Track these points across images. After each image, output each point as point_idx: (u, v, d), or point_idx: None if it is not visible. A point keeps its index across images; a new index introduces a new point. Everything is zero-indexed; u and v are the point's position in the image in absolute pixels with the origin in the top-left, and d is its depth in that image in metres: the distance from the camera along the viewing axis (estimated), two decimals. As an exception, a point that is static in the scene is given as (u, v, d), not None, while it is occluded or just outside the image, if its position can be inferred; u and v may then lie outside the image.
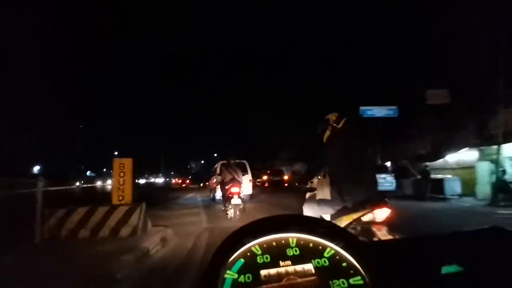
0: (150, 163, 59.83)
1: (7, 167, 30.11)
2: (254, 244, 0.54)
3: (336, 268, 0.51)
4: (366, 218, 1.94)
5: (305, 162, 21.08)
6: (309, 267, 0.51)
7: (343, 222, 1.98)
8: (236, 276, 0.49)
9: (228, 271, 0.49)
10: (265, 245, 0.54)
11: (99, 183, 46.26)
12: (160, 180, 62.28)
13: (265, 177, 24.92)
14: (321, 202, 2.31)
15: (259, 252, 0.53)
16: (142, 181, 58.50)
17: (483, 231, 0.67)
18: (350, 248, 0.53)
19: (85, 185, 36.43)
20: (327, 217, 2.18)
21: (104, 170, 59.25)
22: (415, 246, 0.60)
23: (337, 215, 2.10)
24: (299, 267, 0.51)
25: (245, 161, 12.52)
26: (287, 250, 0.54)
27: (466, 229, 0.68)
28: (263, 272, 0.50)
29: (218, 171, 9.68)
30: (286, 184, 22.36)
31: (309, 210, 2.38)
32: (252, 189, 12.71)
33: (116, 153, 61.62)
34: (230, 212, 6.92)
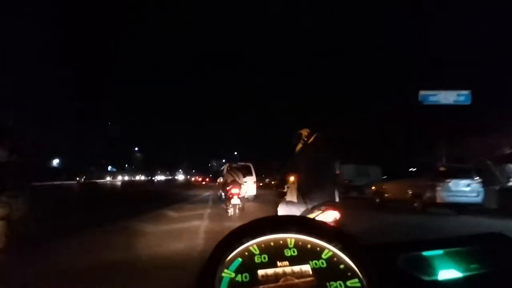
0: (171, 161, 58.16)
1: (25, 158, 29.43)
2: (252, 244, 0.54)
3: (333, 269, 0.51)
4: (319, 218, 2.18)
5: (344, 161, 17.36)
6: (306, 268, 0.51)
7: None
8: (233, 275, 0.48)
9: (225, 270, 0.49)
10: (263, 245, 0.54)
11: (108, 179, 47.36)
12: (181, 177, 61.38)
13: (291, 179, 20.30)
14: (289, 203, 2.69)
15: (257, 252, 0.53)
16: (161, 177, 57.45)
17: (482, 237, 0.67)
18: (348, 250, 0.53)
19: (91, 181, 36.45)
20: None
21: (126, 165, 58.41)
22: (413, 250, 0.59)
23: (295, 207, 2.50)
24: (296, 268, 0.51)
25: (250, 164, 13.92)
26: (285, 251, 0.54)
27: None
28: (261, 272, 0.49)
29: (224, 172, 10.19)
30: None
31: (281, 210, 2.68)
32: (257, 189, 14.03)
33: (136, 148, 60.89)
34: (230, 211, 7.54)
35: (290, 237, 0.56)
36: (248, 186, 11.80)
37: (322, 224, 0.60)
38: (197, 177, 51.07)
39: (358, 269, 0.50)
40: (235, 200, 7.41)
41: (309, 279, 0.49)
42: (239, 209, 7.59)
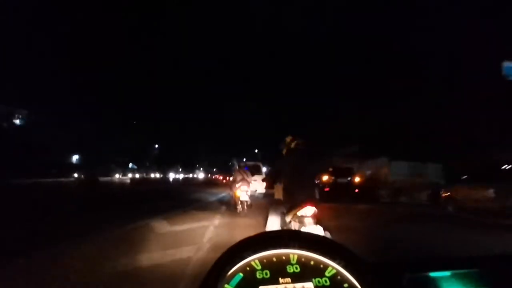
0: (193, 159, 56.81)
1: (43, 155, 28.78)
2: (254, 259, 0.53)
3: None
4: (300, 213, 2.73)
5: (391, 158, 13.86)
6: (309, 286, 0.50)
7: (289, 216, 2.80)
8: None
9: (226, 286, 0.48)
10: (265, 260, 0.53)
11: (116, 176, 44.08)
12: (201, 175, 60.00)
13: (325, 178, 14.98)
14: (277, 200, 3.25)
15: (259, 267, 0.52)
16: (179, 175, 55.96)
17: (494, 258, 0.65)
18: (352, 268, 0.52)
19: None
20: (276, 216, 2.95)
21: (147, 164, 57.80)
22: (419, 270, 0.58)
23: (287, 211, 2.84)
24: (299, 286, 0.49)
25: (259, 163, 15.91)
26: (288, 267, 0.52)
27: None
28: None
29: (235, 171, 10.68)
30: (357, 190, 14.20)
31: (271, 208, 3.07)
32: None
33: (156, 145, 60.10)
34: (239, 207, 7.88)
35: (293, 253, 0.55)
36: (257, 184, 11.90)
37: (326, 240, 0.58)
38: (217, 175, 50.14)
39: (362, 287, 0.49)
40: (243, 197, 7.77)
41: None
42: (247, 206, 7.82)
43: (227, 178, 40.27)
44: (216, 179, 45.69)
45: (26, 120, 33.54)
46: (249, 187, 8.01)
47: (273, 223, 2.91)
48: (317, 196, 3.04)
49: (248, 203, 7.81)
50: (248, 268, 0.51)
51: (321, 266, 0.53)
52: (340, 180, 14.47)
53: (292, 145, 3.17)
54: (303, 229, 2.60)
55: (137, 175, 45.71)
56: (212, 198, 13.65)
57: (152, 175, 48.06)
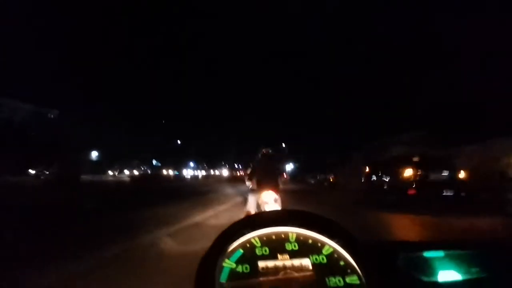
0: (217, 156, 53.98)
1: (60, 149, 27.95)
2: (254, 236, 0.54)
3: (333, 265, 0.51)
4: (265, 194, 4.03)
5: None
6: (306, 262, 0.51)
7: (260, 197, 4.10)
8: (234, 265, 0.49)
9: (226, 260, 0.49)
10: (264, 238, 0.55)
11: (110, 173, 36.87)
12: (225, 172, 57.37)
13: (408, 173, 9.43)
14: (253, 189, 4.47)
15: (259, 244, 0.53)
16: (197, 172, 53.52)
17: (485, 242, 0.68)
18: (349, 247, 0.53)
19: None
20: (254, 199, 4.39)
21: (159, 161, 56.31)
22: (414, 250, 0.60)
23: (255, 193, 4.35)
24: (296, 262, 0.51)
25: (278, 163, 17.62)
26: (286, 244, 0.54)
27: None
28: (261, 264, 0.50)
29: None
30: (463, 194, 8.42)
31: (250, 193, 4.53)
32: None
33: (179, 141, 58.58)
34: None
35: (292, 231, 0.56)
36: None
37: (324, 220, 0.59)
38: (242, 172, 48.74)
39: (358, 266, 0.50)
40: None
41: (308, 273, 0.49)
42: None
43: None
44: (240, 176, 44.30)
45: (56, 119, 33.28)
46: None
47: (251, 203, 4.41)
48: (281, 186, 4.52)
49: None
50: (248, 245, 0.53)
51: (319, 244, 0.55)
52: (435, 176, 8.94)
53: (262, 153, 4.70)
54: (266, 206, 3.99)
55: (135, 172, 40.28)
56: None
57: (165, 172, 44.75)
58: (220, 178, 42.50)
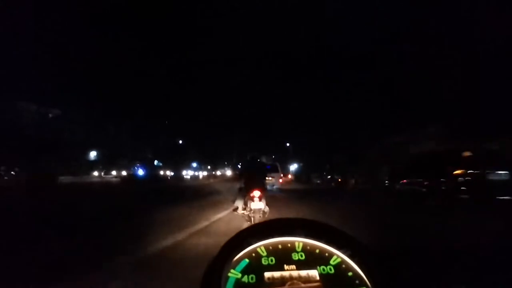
0: (219, 156, 52.19)
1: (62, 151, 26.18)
2: (259, 245, 0.53)
3: (341, 276, 0.50)
4: (252, 194, 4.58)
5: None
6: (314, 273, 0.50)
7: (247, 196, 4.70)
8: (239, 275, 0.48)
9: (232, 270, 0.49)
10: (271, 247, 0.54)
11: (113, 173, 31.86)
12: (228, 172, 55.90)
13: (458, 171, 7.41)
14: (241, 188, 4.99)
15: (265, 253, 0.53)
16: (198, 173, 51.59)
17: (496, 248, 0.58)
18: (357, 258, 0.52)
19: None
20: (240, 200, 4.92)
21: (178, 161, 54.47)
22: (426, 260, 0.62)
23: (246, 193, 4.75)
24: (303, 273, 0.50)
25: (277, 163, 19.05)
26: (293, 254, 0.53)
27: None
28: (267, 275, 0.49)
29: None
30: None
31: (238, 193, 5.04)
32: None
33: (180, 141, 57.09)
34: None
35: (299, 241, 0.55)
36: (274, 180, 15.48)
37: (332, 229, 0.58)
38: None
39: (367, 277, 0.49)
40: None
41: (315, 284, 0.48)
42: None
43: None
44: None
45: (59, 119, 31.56)
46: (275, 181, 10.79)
47: (239, 201, 4.87)
48: (267, 187, 5.22)
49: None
50: (254, 254, 0.52)
51: (326, 254, 0.54)
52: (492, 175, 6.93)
53: (248, 157, 5.36)
54: (252, 204, 4.57)
55: (123, 173, 32.82)
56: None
57: (162, 172, 41.20)
58: (222, 178, 40.78)
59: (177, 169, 45.44)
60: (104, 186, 20.03)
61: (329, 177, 29.17)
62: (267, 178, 10.16)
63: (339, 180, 24.02)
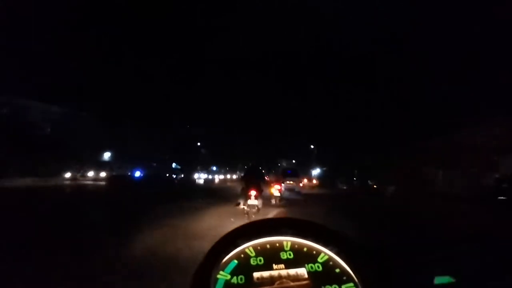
0: (239, 160, 47.99)
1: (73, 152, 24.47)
2: (248, 246, 0.54)
3: (329, 273, 0.51)
4: (250, 193, 5.92)
5: None
6: (302, 271, 0.51)
7: (246, 195, 5.98)
8: (228, 277, 0.49)
9: (221, 272, 0.49)
10: (259, 247, 0.54)
11: (89, 175, 22.60)
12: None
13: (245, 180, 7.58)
14: (242, 187, 6.32)
15: (253, 254, 0.53)
16: (216, 176, 48.07)
17: (473, 243, 0.65)
18: (344, 254, 0.53)
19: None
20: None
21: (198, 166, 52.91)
22: (409, 255, 0.58)
23: (246, 192, 5.99)
24: (292, 271, 0.50)
25: (296, 168, 19.98)
26: (281, 254, 0.54)
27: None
28: (256, 275, 0.49)
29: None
30: None
31: (241, 192, 6.35)
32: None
33: (199, 143, 55.50)
34: (273, 200, 9.96)
35: (287, 240, 0.56)
36: (295, 184, 15.27)
37: (319, 227, 0.58)
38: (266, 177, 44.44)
39: (354, 273, 0.50)
40: (276, 193, 9.94)
41: (304, 282, 0.49)
42: (278, 199, 9.92)
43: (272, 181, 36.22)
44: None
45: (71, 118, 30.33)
46: (282, 187, 10.53)
47: (241, 198, 6.15)
48: (261, 188, 6.39)
49: (279, 197, 9.86)
50: (242, 255, 0.52)
51: (314, 252, 0.54)
52: None
53: (250, 165, 7.36)
54: (249, 201, 5.89)
55: (102, 174, 25.19)
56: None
57: (167, 175, 36.18)
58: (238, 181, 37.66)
59: (191, 171, 43.33)
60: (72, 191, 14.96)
61: (356, 181, 25.90)
62: (288, 182, 13.30)
63: (374, 186, 20.71)
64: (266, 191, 11.95)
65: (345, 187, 27.20)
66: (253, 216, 5.83)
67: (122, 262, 3.23)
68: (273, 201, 9.63)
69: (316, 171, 37.76)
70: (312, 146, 33.38)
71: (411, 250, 0.59)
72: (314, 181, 28.53)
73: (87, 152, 27.15)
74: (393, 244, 0.58)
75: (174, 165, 50.09)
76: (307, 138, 41.28)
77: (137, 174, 25.64)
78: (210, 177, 43.71)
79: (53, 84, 27.06)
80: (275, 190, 9.74)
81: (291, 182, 14.53)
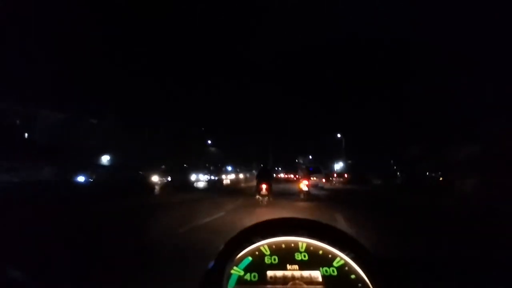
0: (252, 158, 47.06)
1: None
2: (263, 244, 0.54)
3: (344, 279, 0.49)
4: (261, 187, 8.39)
5: None
6: (316, 274, 0.50)
7: (258, 189, 8.52)
8: (242, 273, 0.49)
9: (234, 268, 0.49)
10: (274, 246, 0.54)
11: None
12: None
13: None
14: (256, 184, 8.84)
15: (268, 252, 0.53)
16: (224, 176, 35.07)
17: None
18: (361, 260, 0.51)
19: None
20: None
21: (207, 164, 47.78)
22: (428, 266, 0.61)
23: (258, 187, 8.51)
24: (306, 273, 0.50)
25: (319, 165, 21.50)
26: (296, 254, 0.53)
27: None
28: (270, 273, 0.49)
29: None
30: None
31: (256, 186, 8.87)
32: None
33: (209, 141, 51.21)
34: (301, 195, 10.49)
35: (302, 241, 0.55)
36: (318, 180, 17.19)
37: (336, 231, 0.57)
38: (284, 174, 43.86)
39: (370, 281, 0.48)
40: (304, 188, 10.37)
41: (318, 286, 0.48)
42: (306, 194, 10.35)
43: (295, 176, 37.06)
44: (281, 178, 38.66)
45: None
46: (309, 182, 11.24)
47: (256, 191, 8.57)
48: (271, 183, 8.63)
49: (307, 192, 10.27)
50: (257, 253, 0.52)
51: (330, 256, 0.53)
52: None
53: (262, 165, 10.35)
54: (260, 193, 8.32)
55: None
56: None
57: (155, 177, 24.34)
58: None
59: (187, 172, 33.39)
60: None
61: (401, 174, 21.28)
62: (312, 178, 14.70)
63: (440, 179, 15.98)
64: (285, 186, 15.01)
65: (379, 182, 23.24)
66: (264, 203, 8.11)
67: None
68: (301, 196, 10.17)
69: (339, 165, 34.58)
70: (339, 135, 28.79)
71: (432, 262, 0.56)
72: (346, 175, 24.23)
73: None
74: (415, 255, 0.58)
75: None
76: (331, 130, 37.21)
77: (81, 179, 16.48)
78: (213, 178, 30.92)
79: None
80: (304, 185, 10.25)
81: (315, 178, 16.50)
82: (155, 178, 22.39)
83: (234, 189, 17.34)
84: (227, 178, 32.48)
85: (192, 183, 25.52)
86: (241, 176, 39.60)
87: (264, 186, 8.18)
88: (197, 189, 18.79)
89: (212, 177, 30.98)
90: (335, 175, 24.16)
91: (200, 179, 28.15)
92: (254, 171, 55.05)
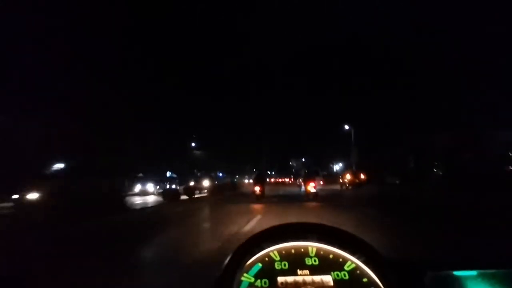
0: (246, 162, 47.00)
1: None
2: (272, 250, 0.53)
3: (356, 283, 0.49)
4: (255, 188, 11.76)
5: None
6: (328, 279, 0.49)
7: (253, 189, 12.10)
8: (252, 280, 0.49)
9: (245, 274, 0.49)
10: (284, 252, 0.53)
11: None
12: (250, 180, 44.77)
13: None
14: (252, 184, 12.99)
15: (278, 258, 0.52)
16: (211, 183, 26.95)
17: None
18: (372, 264, 0.50)
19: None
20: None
21: (195, 170, 42.70)
22: (443, 268, 0.55)
23: (254, 187, 12.01)
24: (317, 278, 0.49)
25: (318, 168, 21.00)
26: (306, 259, 0.52)
27: None
28: (280, 279, 0.49)
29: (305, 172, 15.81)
30: None
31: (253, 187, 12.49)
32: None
33: (193, 144, 46.98)
34: (309, 196, 11.82)
35: (312, 246, 0.54)
36: (316, 183, 15.00)
37: (346, 234, 0.56)
38: (278, 178, 43.34)
39: (382, 284, 0.47)
40: (312, 189, 11.48)
41: None
42: (314, 195, 11.32)
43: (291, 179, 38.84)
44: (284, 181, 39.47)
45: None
46: (316, 184, 12.15)
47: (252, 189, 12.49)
48: (264, 185, 12.09)
49: (314, 193, 11.31)
50: (267, 259, 0.52)
51: (340, 260, 0.52)
52: None
53: (257, 171, 16.81)
54: (255, 189, 11.70)
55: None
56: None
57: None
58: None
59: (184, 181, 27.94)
60: None
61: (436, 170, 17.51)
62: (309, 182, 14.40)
63: None
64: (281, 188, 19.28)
65: (397, 181, 20.09)
66: (258, 197, 11.16)
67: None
68: (310, 197, 11.16)
69: (338, 166, 33.03)
70: (347, 127, 24.64)
71: (446, 265, 0.54)
72: (362, 176, 20.01)
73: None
74: (424, 257, 0.52)
75: (169, 173, 39.97)
76: (331, 130, 35.09)
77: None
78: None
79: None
80: (311, 187, 11.27)
81: (312, 182, 18.22)
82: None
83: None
84: (199, 187, 20.16)
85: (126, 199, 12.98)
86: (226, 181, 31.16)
87: (257, 188, 11.31)
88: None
89: (173, 186, 20.79)
90: (347, 176, 19.71)
91: (148, 191, 18.96)
92: (248, 176, 51.47)
